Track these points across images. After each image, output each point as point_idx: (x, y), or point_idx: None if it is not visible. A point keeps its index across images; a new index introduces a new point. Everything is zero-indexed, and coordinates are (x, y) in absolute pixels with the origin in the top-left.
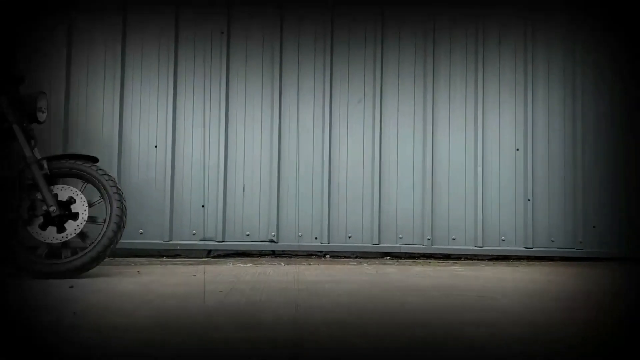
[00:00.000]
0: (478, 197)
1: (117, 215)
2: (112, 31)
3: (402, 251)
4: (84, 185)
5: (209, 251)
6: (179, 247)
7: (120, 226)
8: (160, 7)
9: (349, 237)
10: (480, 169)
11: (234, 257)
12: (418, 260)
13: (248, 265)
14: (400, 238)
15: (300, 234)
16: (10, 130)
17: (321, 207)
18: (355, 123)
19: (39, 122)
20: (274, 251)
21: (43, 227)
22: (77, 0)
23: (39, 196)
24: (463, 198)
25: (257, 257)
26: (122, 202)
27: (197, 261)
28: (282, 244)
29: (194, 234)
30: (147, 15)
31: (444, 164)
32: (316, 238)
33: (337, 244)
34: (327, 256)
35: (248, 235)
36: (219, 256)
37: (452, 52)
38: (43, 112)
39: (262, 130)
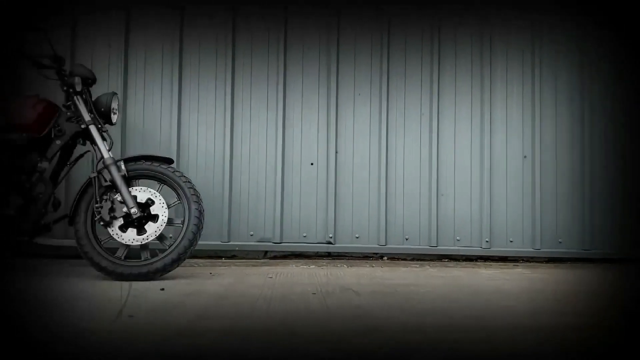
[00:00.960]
0: (536, 198)
1: (195, 216)
2: (169, 28)
3: (460, 253)
4: (160, 186)
5: (265, 252)
6: (237, 248)
7: (199, 227)
8: (215, 7)
9: (406, 239)
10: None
11: (291, 259)
12: (477, 263)
13: (311, 266)
14: (458, 240)
15: (357, 235)
16: (86, 132)
17: (378, 209)
18: (411, 125)
19: (112, 124)
20: (329, 252)
21: (122, 228)
22: None
23: (118, 198)
24: (520, 200)
25: (314, 258)
26: (199, 204)
27: (258, 262)
28: (340, 246)
29: (251, 235)
30: (204, 16)
31: (500, 167)
32: (373, 240)
33: (394, 246)
34: (385, 258)
35: (305, 236)
36: (275, 257)
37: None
38: (115, 114)
39: (318, 131)
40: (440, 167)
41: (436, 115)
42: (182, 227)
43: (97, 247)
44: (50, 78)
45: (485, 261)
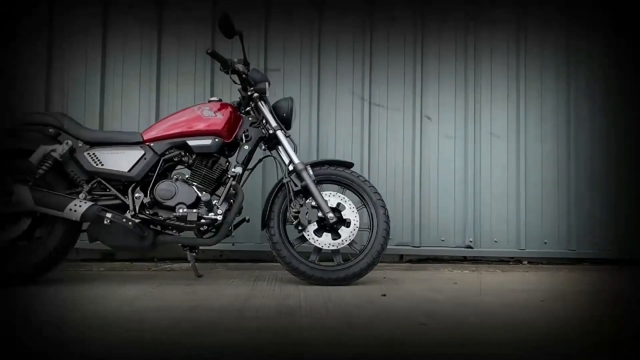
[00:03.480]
0: None
1: (384, 221)
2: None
3: (597, 256)
4: (343, 191)
5: (401, 256)
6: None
7: (388, 232)
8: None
9: (545, 243)
10: None
11: (428, 262)
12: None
13: (465, 271)
14: (594, 243)
15: (495, 239)
16: (270, 137)
17: (517, 210)
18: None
19: (289, 129)
20: (465, 257)
21: (317, 233)
22: None
23: (312, 203)
24: None
25: (453, 262)
26: (385, 209)
27: (401, 266)
28: (479, 250)
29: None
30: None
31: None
32: (511, 243)
33: (534, 250)
34: (525, 262)
35: (443, 240)
36: (411, 261)
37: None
38: (293, 119)
39: (455, 137)
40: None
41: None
42: (372, 232)
43: (293, 252)
44: (235, 82)
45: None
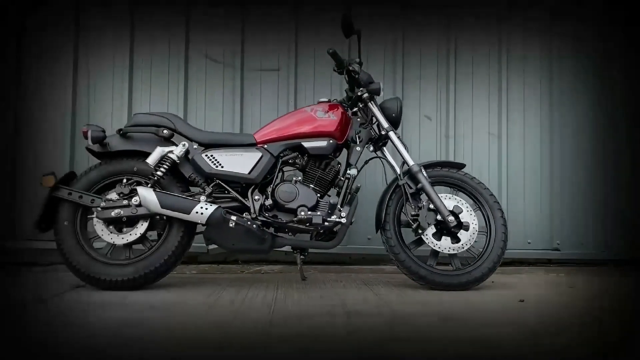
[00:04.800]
0: None
1: (502, 225)
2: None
3: None
4: (455, 193)
5: None
6: None
7: (506, 236)
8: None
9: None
10: None
11: (514, 265)
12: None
13: (560, 275)
14: None
15: (582, 242)
16: (379, 138)
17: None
18: None
19: (396, 129)
20: (550, 260)
21: (435, 236)
22: None
23: (430, 205)
24: None
25: (538, 265)
26: (502, 212)
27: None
28: (566, 252)
29: None
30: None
31: None
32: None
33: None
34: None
35: (530, 242)
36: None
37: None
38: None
39: (540, 141)
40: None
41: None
42: (489, 236)
43: (412, 255)
44: (347, 82)
45: None
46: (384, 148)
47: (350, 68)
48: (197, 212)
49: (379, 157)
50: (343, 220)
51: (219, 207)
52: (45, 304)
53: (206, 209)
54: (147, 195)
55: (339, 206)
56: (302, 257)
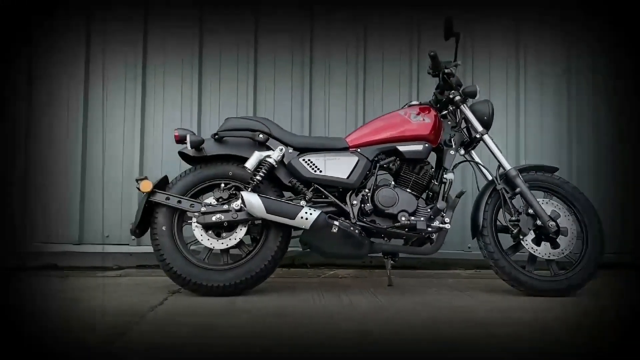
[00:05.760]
0: None
1: (598, 230)
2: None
3: None
4: (550, 197)
5: None
6: None
7: (603, 241)
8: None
9: None
10: None
11: None
12: None
13: None
14: None
15: None
16: (472, 141)
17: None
18: None
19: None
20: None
21: (534, 241)
22: None
23: (529, 210)
24: None
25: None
26: (598, 216)
27: None
28: None
29: None
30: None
31: None
32: None
33: None
34: None
35: None
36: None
37: None
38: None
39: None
40: None
41: None
42: (586, 241)
43: (511, 261)
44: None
45: None
46: (472, 151)
47: (447, 71)
48: (301, 217)
49: (468, 161)
50: (447, 226)
51: (322, 212)
52: (154, 312)
53: (310, 214)
54: (252, 200)
55: (443, 212)
56: (392, 262)
